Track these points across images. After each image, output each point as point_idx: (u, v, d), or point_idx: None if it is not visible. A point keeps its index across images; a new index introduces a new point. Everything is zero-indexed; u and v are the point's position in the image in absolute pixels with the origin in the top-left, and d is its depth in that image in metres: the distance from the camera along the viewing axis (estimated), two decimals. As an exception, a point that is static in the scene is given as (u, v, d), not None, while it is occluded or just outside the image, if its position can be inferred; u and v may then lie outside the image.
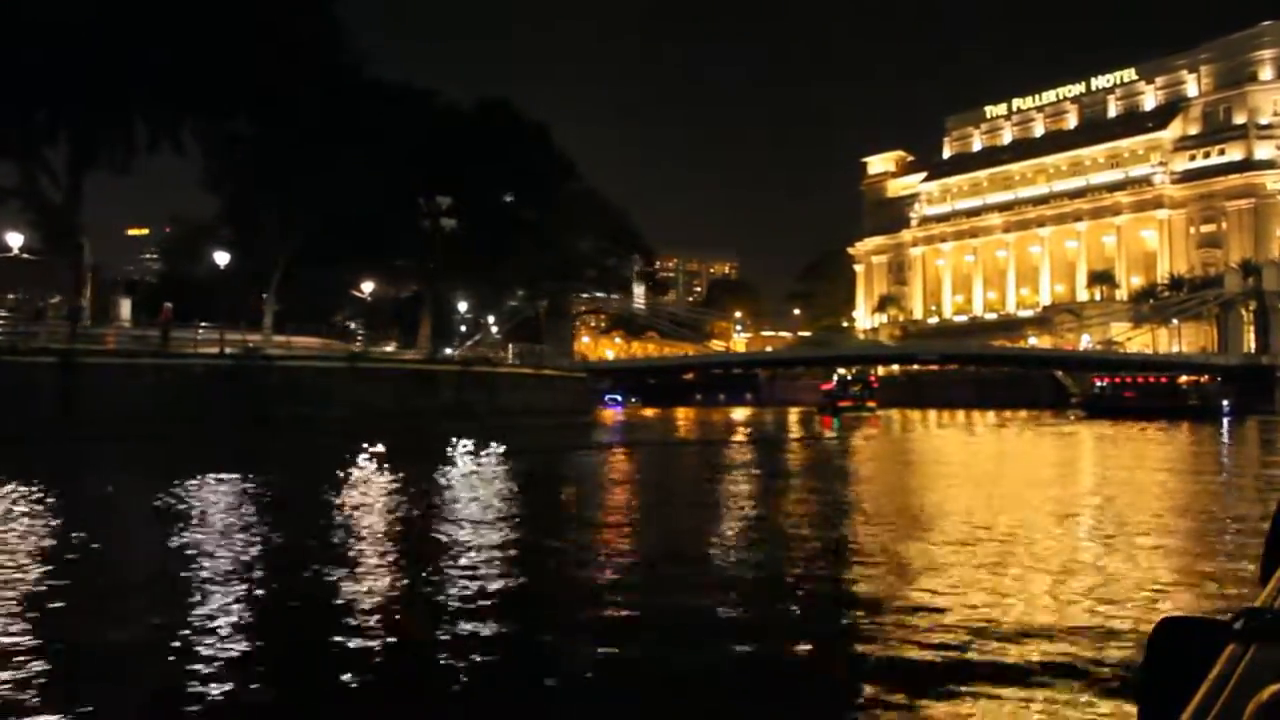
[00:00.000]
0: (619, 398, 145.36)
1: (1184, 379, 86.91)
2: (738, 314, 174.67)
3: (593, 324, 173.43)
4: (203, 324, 47.23)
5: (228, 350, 44.43)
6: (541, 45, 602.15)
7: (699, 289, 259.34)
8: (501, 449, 41.25)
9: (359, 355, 48.30)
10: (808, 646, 10.24)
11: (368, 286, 60.35)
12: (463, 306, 71.58)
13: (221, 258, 49.34)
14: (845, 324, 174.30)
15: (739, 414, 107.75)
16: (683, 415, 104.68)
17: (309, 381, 45.28)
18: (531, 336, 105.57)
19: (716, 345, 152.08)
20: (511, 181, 63.02)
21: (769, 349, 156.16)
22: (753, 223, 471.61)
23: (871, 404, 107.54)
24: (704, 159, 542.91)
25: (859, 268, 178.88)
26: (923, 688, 8.45)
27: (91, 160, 48.55)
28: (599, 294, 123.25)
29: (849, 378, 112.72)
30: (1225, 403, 76.83)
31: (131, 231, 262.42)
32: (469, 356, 58.69)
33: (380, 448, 39.21)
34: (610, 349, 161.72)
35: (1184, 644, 1.74)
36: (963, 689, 8.48)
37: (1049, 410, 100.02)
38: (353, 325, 60.01)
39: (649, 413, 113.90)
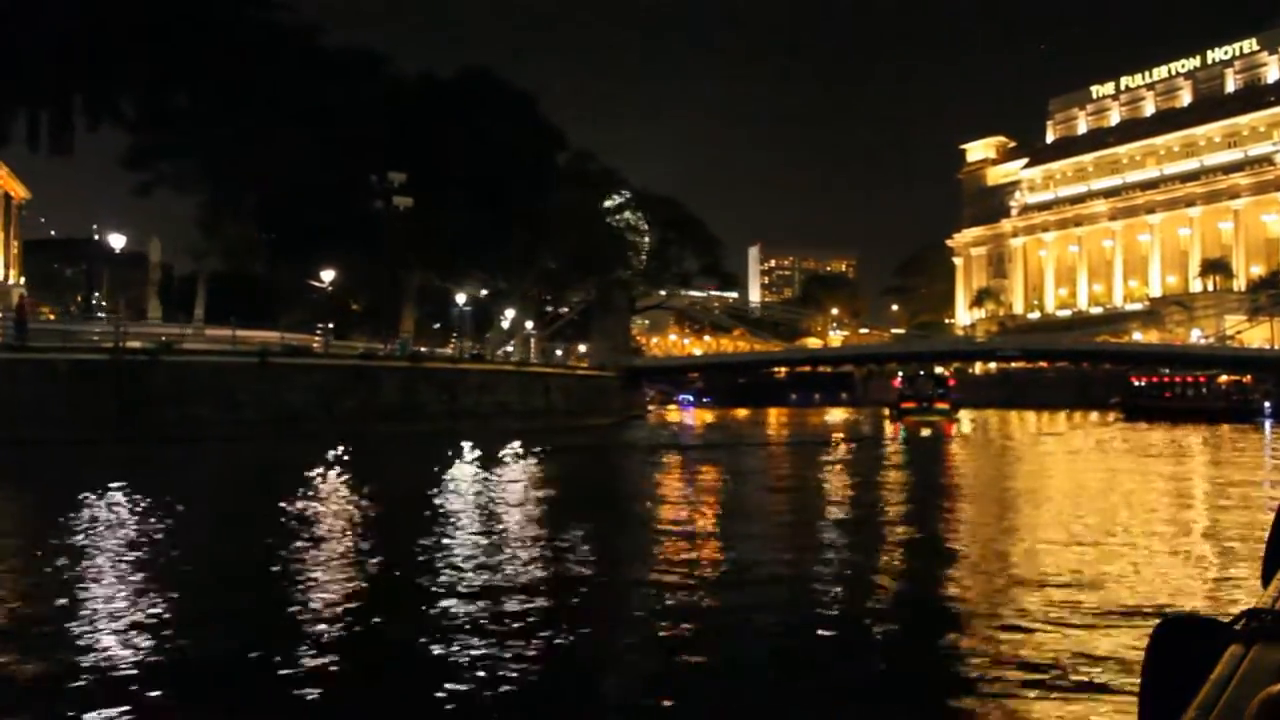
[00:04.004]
0: (690, 398, 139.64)
1: (1223, 378, 78.05)
2: (834, 310, 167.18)
3: (679, 322, 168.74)
4: (100, 315, 43.80)
5: (125, 344, 40.70)
6: (636, 43, 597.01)
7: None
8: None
9: (270, 350, 43.97)
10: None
11: (328, 275, 56.16)
12: (461, 299, 66.77)
13: (117, 241, 45.78)
14: (948, 320, 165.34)
15: (833, 415, 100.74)
16: (774, 416, 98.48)
17: (205, 381, 41.36)
18: (582, 334, 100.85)
19: (813, 342, 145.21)
20: (488, 156, 57.34)
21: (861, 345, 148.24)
22: (860, 217, 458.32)
23: (943, 405, 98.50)
24: (804, 155, 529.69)
25: (958, 260, 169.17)
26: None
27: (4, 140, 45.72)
28: (676, 289, 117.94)
29: (919, 375, 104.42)
30: (1266, 404, 68.73)
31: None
32: (420, 351, 54.05)
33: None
34: (698, 346, 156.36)
35: (1186, 644, 1.74)
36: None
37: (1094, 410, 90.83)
38: (321, 320, 55.73)
39: (741, 413, 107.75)
